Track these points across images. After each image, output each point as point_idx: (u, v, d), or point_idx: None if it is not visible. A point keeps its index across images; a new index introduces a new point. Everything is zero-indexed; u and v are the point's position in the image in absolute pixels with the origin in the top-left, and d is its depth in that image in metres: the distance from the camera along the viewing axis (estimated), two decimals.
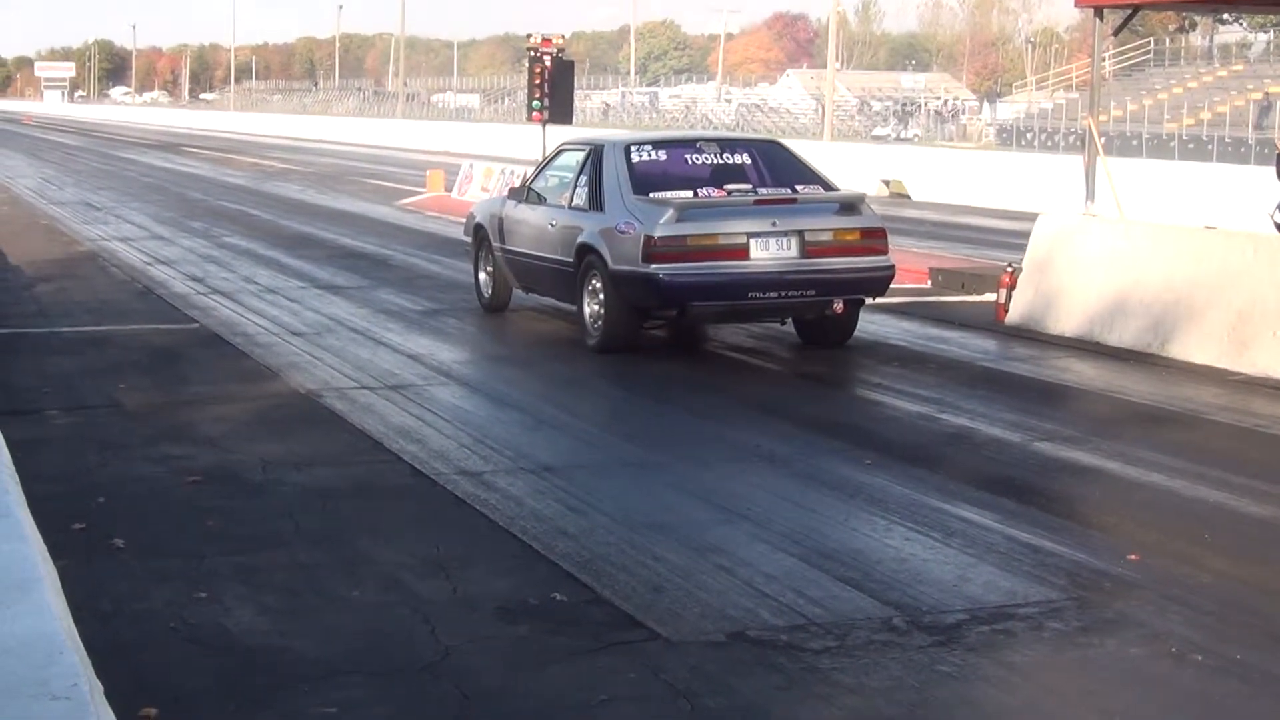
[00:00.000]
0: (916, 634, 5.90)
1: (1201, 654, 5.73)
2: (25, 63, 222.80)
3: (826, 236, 12.34)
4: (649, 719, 5.11)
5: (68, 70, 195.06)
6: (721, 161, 13.20)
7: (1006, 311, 14.21)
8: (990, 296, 15.08)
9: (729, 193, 12.62)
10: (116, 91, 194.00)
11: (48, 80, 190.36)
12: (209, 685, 5.35)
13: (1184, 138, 45.67)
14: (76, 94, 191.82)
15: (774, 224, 12.16)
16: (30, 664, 2.92)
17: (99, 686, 3.04)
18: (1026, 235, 14.74)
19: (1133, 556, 6.93)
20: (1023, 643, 5.84)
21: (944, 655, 5.68)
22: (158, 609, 6.12)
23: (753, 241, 12.09)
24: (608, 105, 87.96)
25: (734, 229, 12.11)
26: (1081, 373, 11.96)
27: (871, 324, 14.02)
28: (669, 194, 12.41)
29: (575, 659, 5.62)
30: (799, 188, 12.78)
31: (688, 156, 13.26)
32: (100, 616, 5.90)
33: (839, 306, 12.37)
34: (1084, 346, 12.97)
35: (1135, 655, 5.74)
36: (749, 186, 12.84)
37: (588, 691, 5.31)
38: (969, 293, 16.39)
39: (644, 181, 12.65)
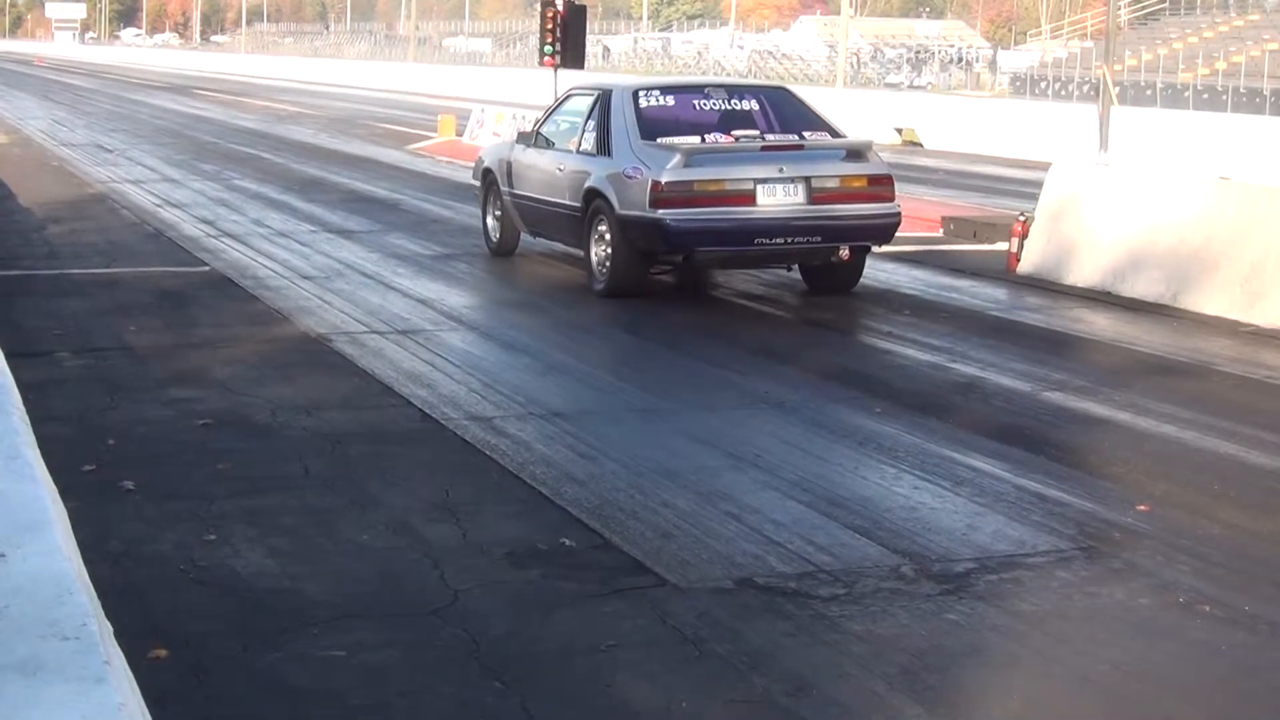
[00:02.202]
0: (925, 582, 5.91)
1: (1210, 604, 5.73)
2: (36, 3, 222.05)
3: (833, 183, 12.33)
4: (657, 664, 5.13)
5: (79, 11, 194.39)
6: (729, 107, 13.18)
7: (1018, 261, 14.18)
8: (1002, 246, 15.05)
9: (736, 139, 12.62)
10: (127, 33, 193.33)
11: (58, 21, 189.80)
12: (218, 627, 5.37)
13: (1199, 88, 45.41)
14: (87, 35, 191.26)
15: (781, 170, 12.15)
16: (40, 604, 2.93)
17: (109, 627, 3.04)
18: (1039, 184, 14.70)
19: (1142, 507, 6.93)
20: (1031, 592, 5.85)
21: (952, 604, 5.69)
22: (167, 551, 6.14)
23: (759, 188, 12.08)
24: (607, 49, 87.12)
25: (741, 175, 12.11)
26: (1093, 323, 11.94)
27: (882, 272, 14.00)
28: (676, 139, 12.42)
29: (584, 604, 5.63)
30: (806, 134, 12.78)
31: (695, 102, 13.24)
32: (110, 558, 5.92)
33: (845, 253, 12.37)
34: (1095, 296, 12.94)
35: (1144, 605, 5.74)
36: (756, 133, 12.83)
37: (596, 636, 5.32)
38: (981, 241, 16.35)
39: (652, 127, 12.65)
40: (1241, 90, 43.49)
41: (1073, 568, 6.13)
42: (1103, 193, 13.59)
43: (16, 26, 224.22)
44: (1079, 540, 6.48)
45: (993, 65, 76.68)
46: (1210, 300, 12.12)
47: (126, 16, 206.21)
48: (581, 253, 13.00)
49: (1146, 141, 26.01)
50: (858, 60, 79.12)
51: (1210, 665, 5.26)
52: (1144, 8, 57.43)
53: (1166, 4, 57.06)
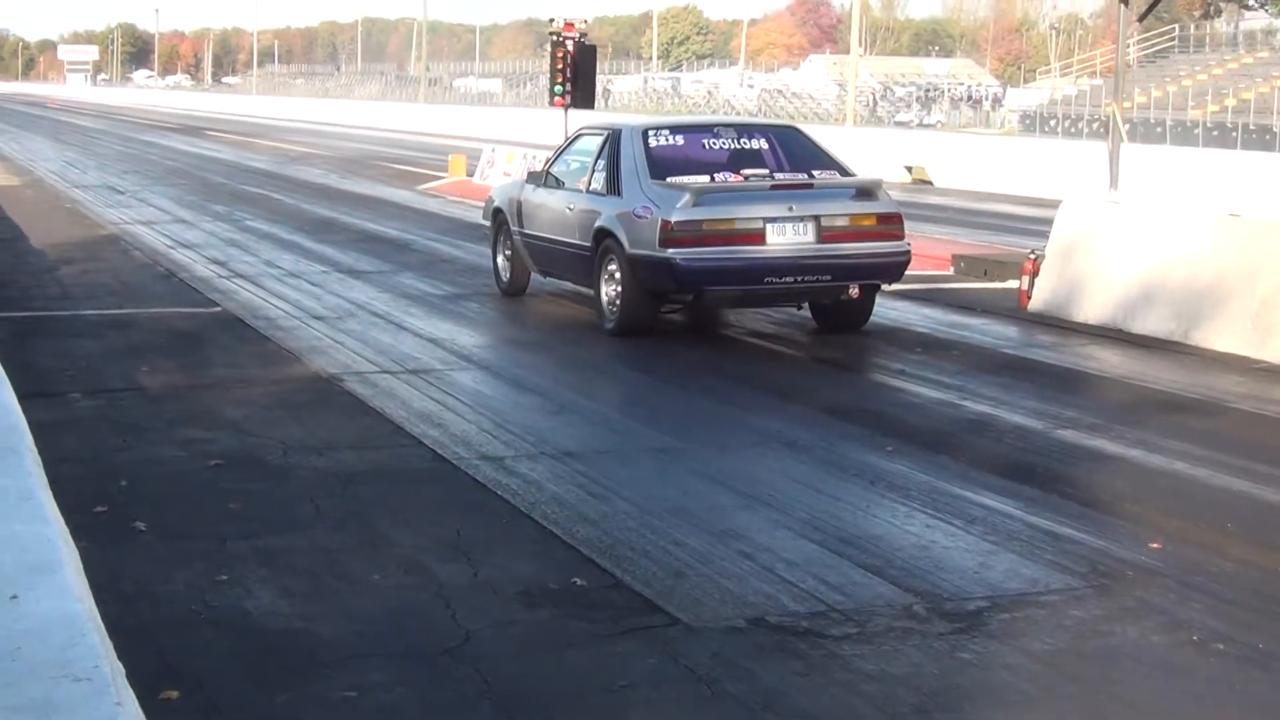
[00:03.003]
0: (937, 621, 5.89)
1: (1224, 643, 5.71)
2: (49, 46, 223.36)
3: (843, 222, 12.35)
4: (669, 704, 5.11)
5: (91, 54, 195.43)
6: (739, 146, 13.23)
7: (1029, 298, 14.18)
8: (1013, 283, 15.05)
9: (746, 178, 12.65)
10: (139, 75, 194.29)
11: (71, 63, 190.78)
12: (230, 668, 5.36)
13: (1209, 124, 45.45)
14: (99, 77, 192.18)
15: (790, 209, 12.18)
16: (52, 645, 2.93)
17: (120, 668, 3.04)
18: (1050, 222, 14.71)
19: (1155, 545, 6.91)
20: (1044, 630, 5.83)
21: (965, 643, 5.67)
22: (179, 591, 6.13)
23: (769, 226, 12.10)
24: (607, 90, 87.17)
25: (750, 214, 12.13)
26: (1104, 360, 11.93)
27: (893, 310, 14.00)
28: (686, 179, 12.45)
29: (595, 644, 5.62)
30: (816, 173, 12.80)
31: (705, 141, 13.29)
32: (122, 599, 5.92)
33: (855, 291, 12.39)
34: (1107, 334, 12.94)
35: (1157, 643, 5.72)
36: (766, 171, 12.87)
37: (608, 676, 5.31)
38: (992, 279, 16.35)
39: (661, 166, 12.69)
40: (1251, 127, 43.52)
41: (1086, 606, 6.11)
42: (1113, 230, 13.59)
43: (29, 68, 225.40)
44: (1092, 578, 6.46)
45: (995, 103, 76.82)
46: (1221, 337, 12.11)
47: (139, 58, 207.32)
48: (592, 292, 13.02)
49: (1156, 179, 26.02)
50: (873, 99, 79.29)
51: (1225, 704, 5.24)
52: (1153, 45, 57.54)
53: (1175, 41, 57.16)
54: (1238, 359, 11.71)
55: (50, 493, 4.24)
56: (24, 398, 6.01)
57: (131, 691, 2.98)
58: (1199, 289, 12.44)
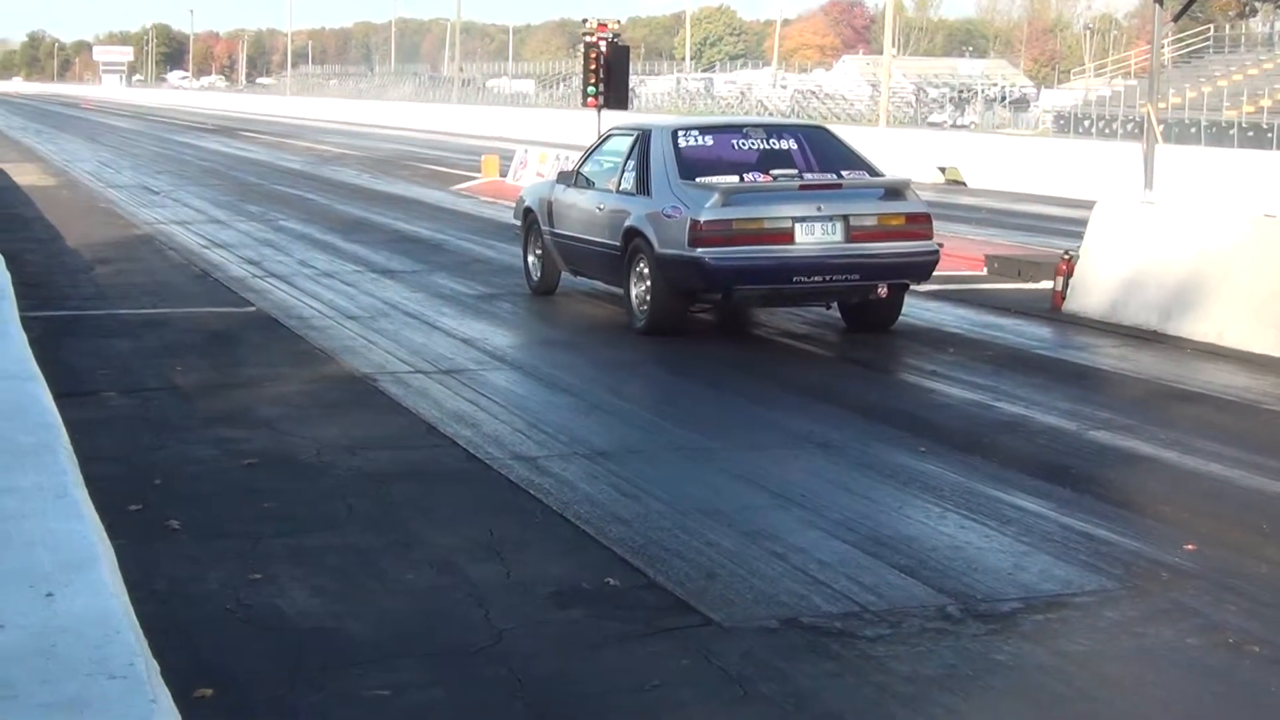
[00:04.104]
0: (971, 622, 5.87)
1: (1259, 645, 5.68)
2: (84, 47, 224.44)
3: (871, 221, 12.35)
4: (701, 705, 5.11)
5: (125, 55, 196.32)
6: (768, 147, 13.24)
7: (1063, 299, 14.13)
8: (1047, 284, 15.01)
9: (774, 177, 12.65)
10: (174, 76, 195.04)
11: (106, 64, 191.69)
12: (263, 666, 5.38)
13: (1244, 125, 45.25)
14: (134, 78, 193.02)
15: (819, 209, 12.18)
16: (88, 643, 2.94)
17: (155, 666, 3.05)
18: (1084, 223, 14.66)
19: (1189, 546, 6.88)
20: (1078, 632, 5.81)
21: (998, 644, 5.65)
22: (213, 590, 6.15)
23: (798, 226, 12.11)
24: (634, 91, 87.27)
25: (779, 213, 12.14)
26: (1138, 361, 11.88)
27: (926, 311, 13.98)
28: (715, 179, 12.47)
29: (628, 644, 5.62)
30: (844, 173, 12.80)
31: (734, 141, 13.31)
32: (156, 597, 5.94)
33: (883, 291, 12.40)
34: (1141, 335, 12.88)
35: (1192, 646, 5.70)
36: (795, 171, 12.87)
37: (640, 676, 5.31)
38: (1025, 280, 16.30)
39: (690, 166, 12.71)
40: None
41: (1120, 607, 6.09)
42: (1148, 231, 13.54)
43: (65, 70, 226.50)
44: (1126, 580, 6.43)
45: (1016, 104, 76.59)
46: (1257, 338, 12.04)
47: (173, 59, 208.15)
48: (621, 291, 13.04)
49: (1191, 179, 25.90)
50: (917, 99, 79.13)
51: (1260, 706, 5.21)
52: (1188, 46, 57.29)
53: (1210, 42, 56.92)
54: (1273, 360, 11.65)
55: (85, 491, 4.26)
56: (59, 396, 6.04)
57: (166, 689, 2.99)
58: (1234, 290, 12.39)
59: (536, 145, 32.99)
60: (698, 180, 12.48)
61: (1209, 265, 12.72)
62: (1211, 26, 58.56)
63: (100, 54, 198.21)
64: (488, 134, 58.47)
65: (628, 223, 12.73)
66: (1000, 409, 9.97)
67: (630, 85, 26.27)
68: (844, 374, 11.69)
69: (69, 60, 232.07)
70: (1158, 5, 14.26)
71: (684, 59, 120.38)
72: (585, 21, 25.50)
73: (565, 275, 14.83)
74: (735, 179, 12.54)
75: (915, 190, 12.96)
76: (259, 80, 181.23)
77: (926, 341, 12.61)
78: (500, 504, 7.56)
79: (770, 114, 74.13)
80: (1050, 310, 14.16)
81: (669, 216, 12.25)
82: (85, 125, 67.54)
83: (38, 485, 4.16)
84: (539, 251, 14.93)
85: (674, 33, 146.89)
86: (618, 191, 13.23)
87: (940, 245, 12.80)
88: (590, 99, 25.03)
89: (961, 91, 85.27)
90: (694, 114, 74.25)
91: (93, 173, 34.47)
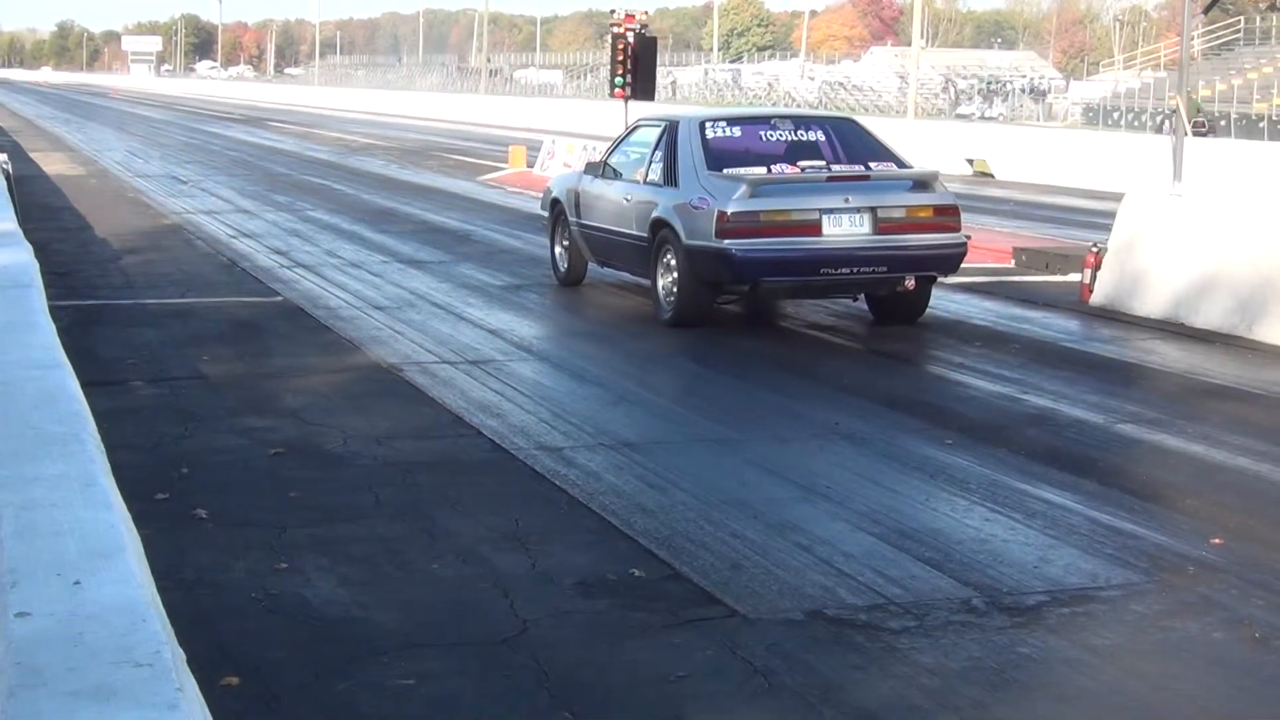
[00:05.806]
0: (996, 615, 5.86)
1: None
2: (112, 37, 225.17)
3: (899, 213, 12.33)
4: (726, 696, 5.11)
5: (154, 44, 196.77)
6: (795, 138, 13.21)
7: (1091, 292, 14.09)
8: (1075, 277, 14.96)
9: (802, 169, 12.64)
10: (202, 66, 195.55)
11: (134, 54, 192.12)
12: (289, 655, 5.39)
13: (1273, 118, 45.04)
14: (163, 68, 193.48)
15: (846, 200, 12.15)
16: (114, 631, 2.95)
17: (181, 654, 3.06)
18: (1112, 215, 14.60)
19: (1216, 540, 6.86)
20: (1104, 625, 5.79)
21: (1024, 637, 5.64)
22: (239, 579, 6.17)
23: (825, 218, 12.09)
24: (674, 82, 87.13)
25: (807, 205, 12.12)
26: (1166, 354, 11.84)
27: (954, 303, 13.95)
28: (743, 170, 12.47)
29: (653, 635, 5.63)
30: (872, 165, 12.78)
31: (762, 133, 13.28)
32: (183, 586, 5.96)
33: (911, 283, 12.37)
34: (1169, 328, 12.84)
35: (1218, 640, 5.68)
36: (822, 163, 12.86)
37: (665, 667, 5.31)
38: (1053, 273, 16.25)
39: (718, 158, 12.70)
40: None
41: (1146, 601, 6.07)
42: (1176, 223, 13.48)
43: (94, 59, 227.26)
44: (1152, 574, 6.42)
45: (1041, 95, 76.34)
46: None
47: (202, 49, 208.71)
48: (648, 282, 13.04)
49: (1221, 172, 25.80)
50: (955, 92, 78.92)
51: None
52: (1218, 38, 57.05)
53: (1240, 34, 56.67)
54: None
55: (112, 479, 4.27)
56: (87, 385, 6.05)
57: (192, 677, 3.00)
58: (1263, 283, 12.33)
59: (564, 136, 32.97)
60: (725, 172, 12.48)
61: (1237, 258, 12.65)
62: (1242, 19, 58.33)
63: (129, 44, 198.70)
64: (515, 124, 58.47)
65: (655, 214, 12.73)
66: (1027, 401, 9.95)
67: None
68: (871, 366, 11.67)
69: (98, 50, 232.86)
70: None
71: (711, 50, 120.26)
72: (613, 12, 25.50)
73: (592, 266, 14.83)
74: (763, 170, 12.54)
75: (943, 182, 12.93)
76: (287, 70, 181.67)
77: (954, 334, 12.59)
78: (526, 494, 7.57)
79: (798, 105, 74.05)
80: (1078, 303, 14.12)
81: (696, 208, 12.25)
82: (114, 115, 67.75)
83: (65, 474, 4.17)
84: (566, 242, 14.94)
85: (701, 23, 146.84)
86: (645, 182, 13.23)
87: (968, 237, 12.78)
88: (618, 90, 25.03)
89: (990, 84, 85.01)
90: (722, 106, 74.16)
91: (121, 162, 34.57)
